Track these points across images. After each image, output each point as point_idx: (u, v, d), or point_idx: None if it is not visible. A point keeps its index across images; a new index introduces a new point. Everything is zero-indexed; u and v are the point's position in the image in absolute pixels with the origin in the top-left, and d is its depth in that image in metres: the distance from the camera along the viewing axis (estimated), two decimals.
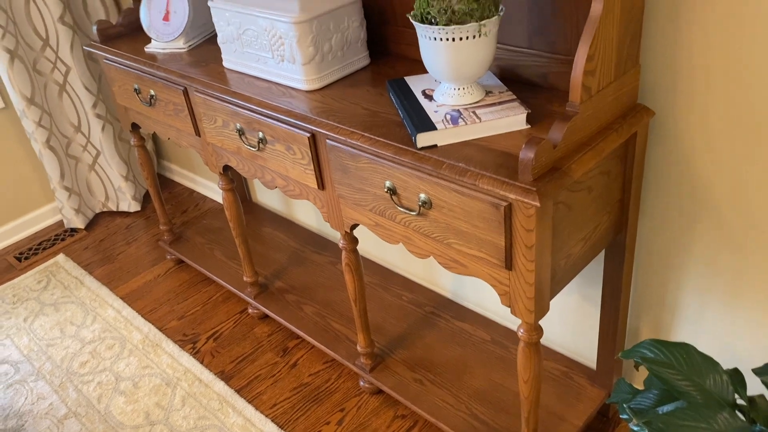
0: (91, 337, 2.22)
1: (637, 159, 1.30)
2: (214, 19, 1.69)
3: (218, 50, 1.81)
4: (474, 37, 1.21)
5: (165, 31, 1.90)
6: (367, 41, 1.64)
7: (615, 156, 1.27)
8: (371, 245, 2.26)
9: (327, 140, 1.42)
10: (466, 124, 1.23)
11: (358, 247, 1.63)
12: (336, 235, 2.39)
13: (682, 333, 1.55)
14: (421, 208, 1.26)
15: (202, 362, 2.06)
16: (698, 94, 1.25)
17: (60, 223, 2.88)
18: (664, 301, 1.54)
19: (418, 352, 1.87)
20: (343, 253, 1.62)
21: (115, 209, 2.90)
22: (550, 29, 1.34)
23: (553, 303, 1.78)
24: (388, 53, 1.69)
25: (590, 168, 1.16)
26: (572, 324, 1.77)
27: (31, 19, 2.42)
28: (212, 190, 2.91)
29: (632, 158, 1.30)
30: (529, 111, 1.24)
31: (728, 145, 1.26)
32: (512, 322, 1.93)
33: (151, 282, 2.45)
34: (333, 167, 1.45)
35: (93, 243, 2.73)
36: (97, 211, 2.89)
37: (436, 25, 1.20)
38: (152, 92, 1.91)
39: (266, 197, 2.66)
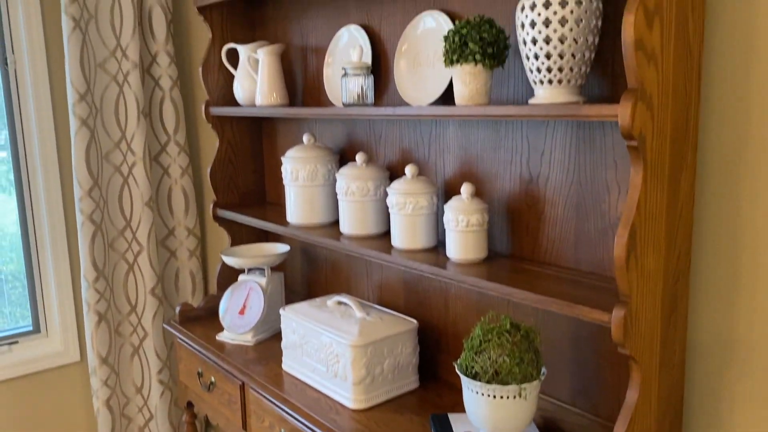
0: None
1: None
2: (282, 325, 1.84)
3: (281, 348, 1.94)
4: (515, 397, 1.26)
5: (238, 323, 2.07)
6: (418, 365, 1.72)
7: None
8: None
9: None
10: None
11: None
12: None
13: None
14: None
15: None
16: None
17: None
18: None
19: None
20: None
21: None
22: (593, 392, 1.38)
23: None
24: (438, 379, 1.75)
25: None
26: None
27: (126, 288, 2.69)
28: None
29: None
30: None
31: None
32: None
33: None
34: None
35: None
36: None
37: (479, 381, 1.27)
38: (213, 379, 2.02)
39: None
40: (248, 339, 2.05)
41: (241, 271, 2.19)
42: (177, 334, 2.21)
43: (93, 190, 2.52)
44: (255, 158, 2.37)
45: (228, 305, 2.13)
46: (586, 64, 1.21)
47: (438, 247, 1.62)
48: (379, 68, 1.82)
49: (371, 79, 1.70)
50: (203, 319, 2.29)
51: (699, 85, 1.17)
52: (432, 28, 1.61)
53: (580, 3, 1.16)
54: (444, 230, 1.51)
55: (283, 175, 1.96)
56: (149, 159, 2.63)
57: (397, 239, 1.62)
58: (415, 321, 1.72)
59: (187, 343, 2.16)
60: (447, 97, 1.54)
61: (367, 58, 1.79)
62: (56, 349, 2.76)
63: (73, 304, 2.76)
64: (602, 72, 1.30)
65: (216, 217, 2.30)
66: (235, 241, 2.35)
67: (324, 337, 1.68)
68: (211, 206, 2.30)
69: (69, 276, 2.73)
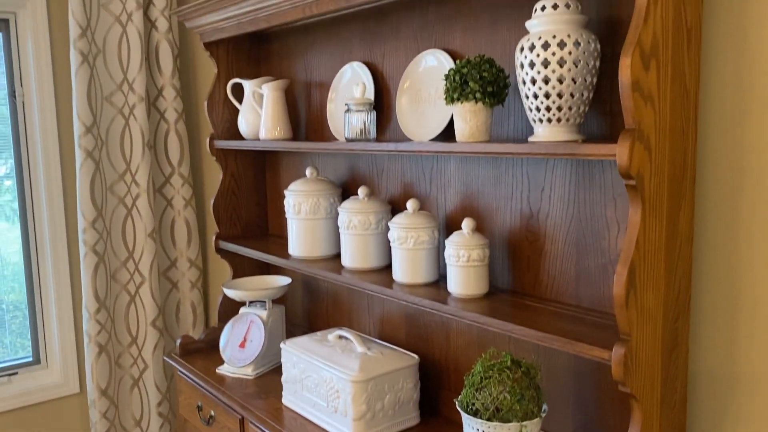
0: None
1: None
2: (283, 359, 1.83)
3: (281, 382, 1.92)
4: None
5: (238, 357, 2.06)
6: (419, 401, 1.71)
7: None
8: None
9: None
10: None
11: None
12: None
13: None
14: None
15: None
16: None
17: None
18: None
19: None
20: None
21: None
22: (595, 429, 1.37)
23: None
24: (439, 415, 1.74)
25: None
26: None
27: (128, 319, 2.69)
28: None
29: None
30: None
31: None
32: None
33: None
34: None
35: None
36: None
37: (480, 418, 1.26)
38: (212, 413, 2.00)
39: None
40: (248, 372, 2.04)
41: (243, 303, 2.19)
42: (177, 366, 2.20)
43: (96, 222, 2.54)
44: (258, 191, 2.39)
45: (229, 338, 2.12)
46: (584, 104, 1.23)
47: (439, 281, 1.62)
48: (382, 104, 1.85)
49: (374, 114, 1.73)
50: (204, 351, 2.28)
51: (696, 124, 1.19)
52: (433, 66, 1.64)
53: (578, 44, 1.19)
54: (445, 265, 1.52)
55: (286, 209, 1.98)
56: (153, 191, 2.65)
57: (399, 273, 1.63)
58: (416, 356, 1.71)
59: (187, 376, 2.15)
60: (448, 132, 1.56)
61: (370, 95, 1.82)
62: (56, 381, 2.75)
63: (73, 335, 2.76)
64: (601, 110, 1.32)
65: (218, 249, 2.31)
66: (237, 273, 2.36)
67: (324, 372, 1.67)
68: (214, 238, 2.31)
69: (70, 307, 2.73)
